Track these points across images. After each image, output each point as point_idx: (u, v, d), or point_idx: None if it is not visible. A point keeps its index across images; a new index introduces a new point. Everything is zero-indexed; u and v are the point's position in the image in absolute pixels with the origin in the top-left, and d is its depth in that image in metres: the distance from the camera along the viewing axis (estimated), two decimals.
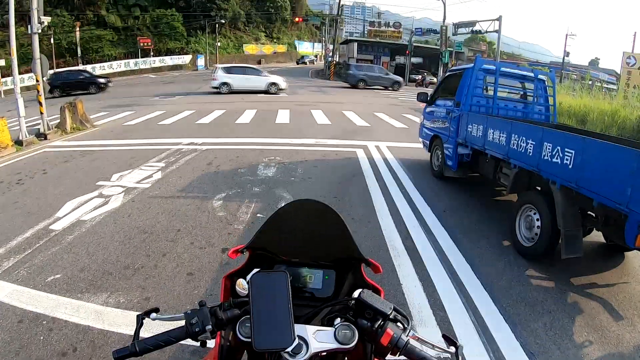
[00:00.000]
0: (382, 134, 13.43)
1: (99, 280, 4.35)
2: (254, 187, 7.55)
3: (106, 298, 4.03)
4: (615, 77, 42.74)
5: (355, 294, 1.34)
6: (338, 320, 1.30)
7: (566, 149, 4.18)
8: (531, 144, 4.83)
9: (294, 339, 1.14)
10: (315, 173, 8.61)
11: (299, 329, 1.22)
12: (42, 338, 3.52)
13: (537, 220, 4.63)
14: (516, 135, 5.18)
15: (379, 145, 11.33)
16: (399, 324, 1.25)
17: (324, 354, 1.28)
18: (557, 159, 4.30)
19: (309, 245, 1.63)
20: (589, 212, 4.27)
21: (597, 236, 4.90)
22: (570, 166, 4.09)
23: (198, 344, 1.25)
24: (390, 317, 1.24)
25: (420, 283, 4.30)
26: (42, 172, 8.10)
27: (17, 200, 6.50)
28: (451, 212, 6.40)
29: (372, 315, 1.25)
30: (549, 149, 4.45)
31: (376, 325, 1.23)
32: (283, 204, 1.55)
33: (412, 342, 1.20)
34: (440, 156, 7.96)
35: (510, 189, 5.48)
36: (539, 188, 4.89)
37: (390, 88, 35.42)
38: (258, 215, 6.19)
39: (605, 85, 35.04)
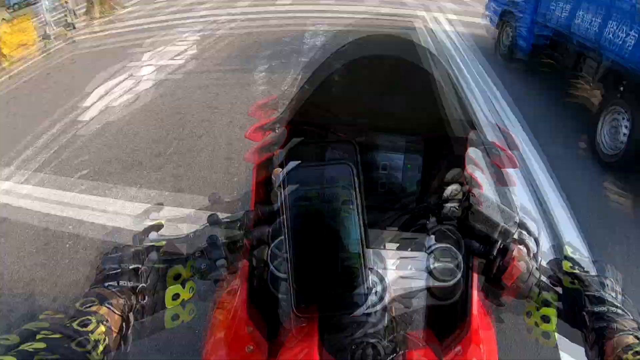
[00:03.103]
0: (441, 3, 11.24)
1: (129, 171, 3.82)
2: (301, 57, 6.49)
3: (136, 192, 3.50)
4: None
5: (448, 189, 0.95)
6: (431, 239, 0.84)
7: None
8: (633, 35, 3.68)
9: (369, 290, 0.71)
10: None
11: (371, 254, 0.77)
12: (67, 245, 3.08)
13: (626, 127, 3.71)
14: (614, 22, 3.95)
15: (437, 17, 9.41)
16: (525, 245, 0.84)
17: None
18: None
19: (384, 113, 1.08)
20: None
21: None
22: None
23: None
24: (515, 236, 0.83)
25: None
26: (70, 62, 7.48)
27: (45, 94, 5.97)
28: (523, 100, 5.22)
29: (486, 233, 0.82)
30: None
31: (494, 251, 0.80)
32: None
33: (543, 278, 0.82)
34: (511, 35, 6.42)
35: (596, 85, 4.40)
36: (633, 88, 3.78)
37: None
38: (306, 87, 5.18)
39: None
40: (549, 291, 0.82)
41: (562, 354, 2.34)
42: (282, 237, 0.77)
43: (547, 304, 0.81)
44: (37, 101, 5.81)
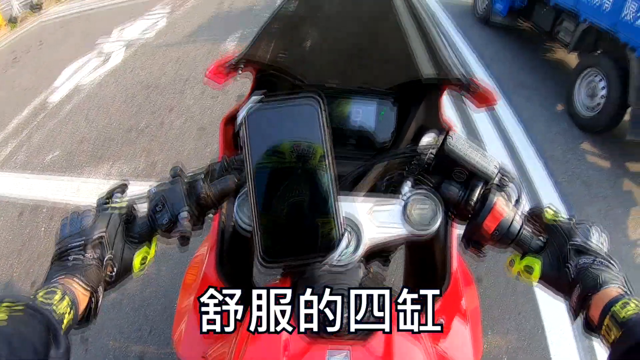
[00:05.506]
0: None
1: (100, 149, 3.73)
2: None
3: (108, 169, 3.43)
4: None
5: (424, 139, 0.94)
6: (408, 185, 0.81)
7: None
8: None
9: (341, 234, 0.68)
10: None
11: (343, 204, 0.74)
12: (43, 229, 3.04)
13: (603, 88, 3.66)
14: None
15: None
16: (506, 192, 0.77)
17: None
18: None
19: (353, 62, 1.07)
20: None
21: None
22: None
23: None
24: (496, 181, 0.76)
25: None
26: (38, 44, 7.22)
27: (14, 79, 5.78)
28: (499, 63, 5.06)
29: (465, 178, 0.77)
30: (633, 7, 3.32)
31: (474, 196, 0.74)
32: None
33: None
34: None
35: (573, 48, 4.24)
36: (610, 51, 3.74)
37: None
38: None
39: None
40: (533, 240, 0.77)
41: (543, 307, 2.32)
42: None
43: (530, 253, 0.77)
44: (5, 86, 5.63)
